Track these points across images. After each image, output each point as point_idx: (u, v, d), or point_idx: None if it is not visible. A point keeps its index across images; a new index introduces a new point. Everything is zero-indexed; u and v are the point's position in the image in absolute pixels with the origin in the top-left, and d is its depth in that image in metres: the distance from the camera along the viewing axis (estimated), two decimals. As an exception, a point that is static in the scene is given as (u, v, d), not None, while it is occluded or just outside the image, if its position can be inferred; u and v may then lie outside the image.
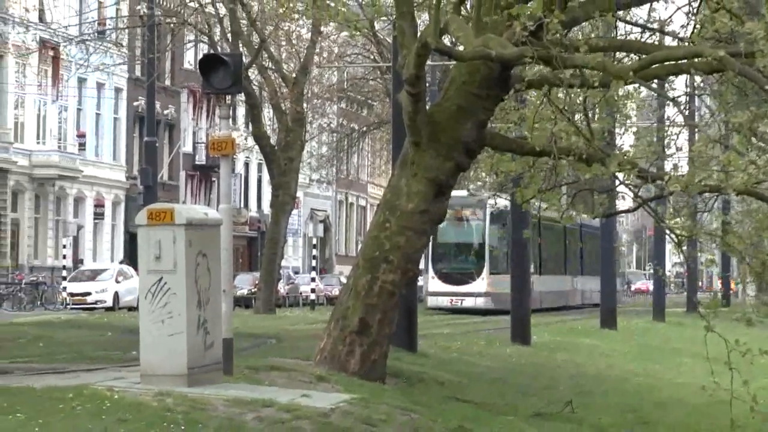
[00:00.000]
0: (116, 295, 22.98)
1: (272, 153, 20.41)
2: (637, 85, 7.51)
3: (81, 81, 28.23)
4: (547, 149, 7.49)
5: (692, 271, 25.89)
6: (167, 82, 32.33)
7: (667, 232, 7.62)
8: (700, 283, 41.74)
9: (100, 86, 29.87)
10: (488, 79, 7.80)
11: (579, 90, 7.16)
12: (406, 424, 6.39)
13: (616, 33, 8.04)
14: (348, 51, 26.66)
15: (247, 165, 36.97)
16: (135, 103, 30.67)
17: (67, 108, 28.76)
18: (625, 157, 7.06)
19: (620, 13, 7.92)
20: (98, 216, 30.04)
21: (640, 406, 9.75)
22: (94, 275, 23.87)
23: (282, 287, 26.33)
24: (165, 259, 6.54)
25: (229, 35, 19.65)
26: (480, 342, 13.37)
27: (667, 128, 8.68)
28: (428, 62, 9.06)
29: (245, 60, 17.11)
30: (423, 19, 9.78)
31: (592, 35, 8.01)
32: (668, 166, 8.49)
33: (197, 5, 20.19)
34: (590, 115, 7.77)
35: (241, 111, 30.71)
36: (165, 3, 23.90)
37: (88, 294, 22.82)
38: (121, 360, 8.14)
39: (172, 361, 6.51)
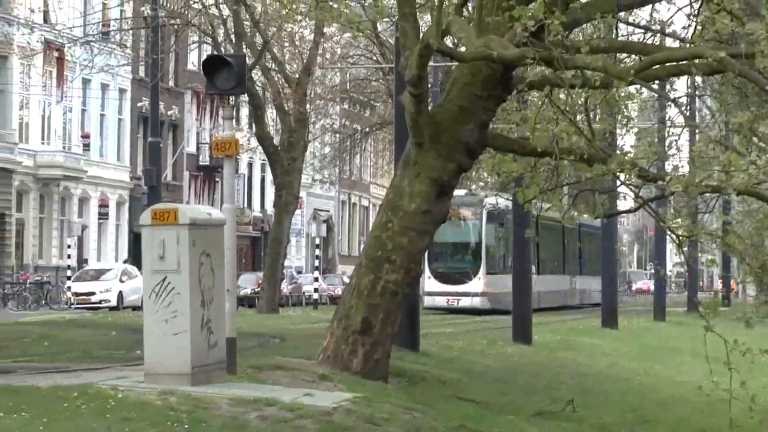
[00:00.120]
0: (120, 295, 23.03)
1: (275, 153, 20.45)
2: (638, 86, 7.53)
3: (85, 82, 28.31)
4: (548, 150, 7.52)
5: (693, 271, 25.85)
6: (171, 83, 32.41)
7: (668, 232, 7.64)
8: (701, 283, 41.72)
9: (104, 87, 29.96)
10: (490, 80, 7.83)
11: (580, 91, 7.18)
12: (409, 423, 6.41)
13: (617, 34, 8.07)
14: (351, 52, 26.70)
15: (250, 165, 37.03)
16: (139, 104, 30.77)
17: (72, 109, 28.85)
18: (626, 158, 7.08)
19: (622, 14, 7.94)
20: (102, 216, 30.14)
21: (641, 405, 9.78)
22: (98, 275, 23.92)
23: (285, 287, 26.36)
24: (169, 259, 6.58)
25: (232, 36, 19.71)
26: (482, 341, 13.38)
27: (668, 129, 8.71)
28: (430, 63, 9.08)
29: (248, 61, 17.20)
30: (425, 20, 9.82)
31: (594, 36, 8.04)
32: (669, 166, 8.50)
33: (201, 7, 20.24)
34: (591, 115, 7.80)
35: (244, 112, 30.77)
36: (169, 4, 23.95)
37: (93, 293, 22.88)
38: (125, 359, 8.19)
39: (175, 360, 6.54)
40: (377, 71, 26.64)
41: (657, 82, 7.59)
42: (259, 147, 22.94)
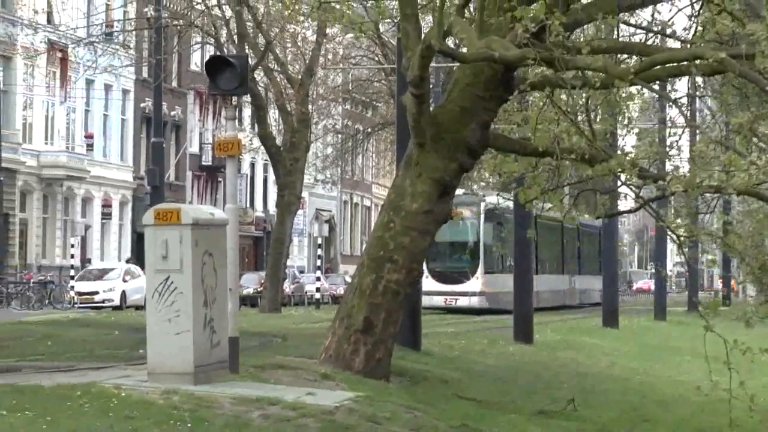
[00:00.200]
0: (123, 294, 23.08)
1: (278, 154, 20.50)
2: (639, 87, 7.55)
3: (89, 82, 28.37)
4: (549, 150, 7.55)
5: (693, 271, 25.82)
6: (174, 84, 32.47)
7: (669, 232, 7.66)
8: (701, 282, 41.68)
9: (107, 88, 30.03)
10: (491, 81, 7.85)
11: (581, 91, 7.20)
12: (410, 422, 6.42)
13: (618, 35, 8.09)
14: (353, 53, 26.74)
15: (252, 165, 37.09)
16: (142, 105, 30.83)
17: (75, 109, 28.92)
18: (627, 158, 7.11)
19: (623, 15, 7.96)
20: (106, 216, 30.20)
21: (641, 405, 9.79)
22: (101, 274, 24.00)
23: (287, 286, 26.41)
24: (172, 259, 6.61)
25: (235, 37, 19.74)
26: (483, 341, 13.40)
27: (668, 129, 8.73)
28: (432, 64, 9.11)
29: (251, 62, 17.25)
30: (427, 21, 9.84)
31: (596, 37, 8.06)
32: (670, 166, 8.52)
33: (204, 8, 20.29)
34: (592, 116, 7.82)
35: (247, 112, 30.80)
36: (172, 5, 24.02)
37: (96, 293, 22.94)
38: (128, 358, 8.20)
39: (178, 360, 6.57)
40: (379, 72, 26.69)
41: (658, 82, 7.61)
42: (262, 147, 22.98)
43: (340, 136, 32.13)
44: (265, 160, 30.30)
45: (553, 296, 25.51)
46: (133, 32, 24.00)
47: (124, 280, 23.54)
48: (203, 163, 34.10)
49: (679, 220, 7.47)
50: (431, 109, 8.15)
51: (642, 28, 8.23)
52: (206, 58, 12.16)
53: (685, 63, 7.02)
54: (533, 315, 14.39)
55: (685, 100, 8.20)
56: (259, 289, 24.24)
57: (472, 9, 8.40)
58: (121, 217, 31.11)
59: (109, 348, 9.76)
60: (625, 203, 13.73)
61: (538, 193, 8.05)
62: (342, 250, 42.33)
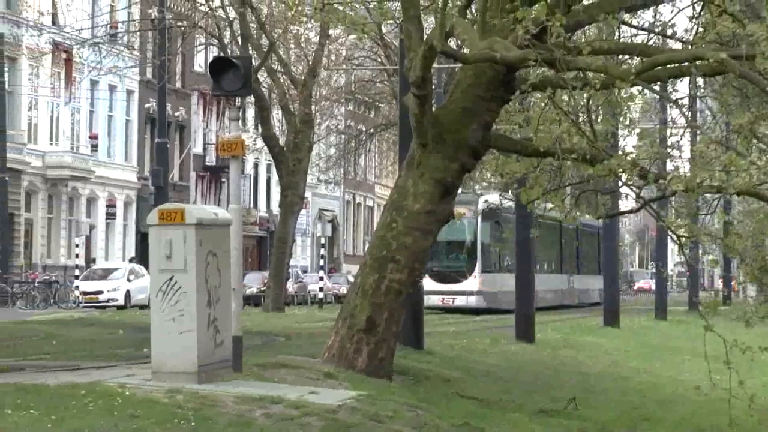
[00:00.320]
0: (128, 294, 23.15)
1: (281, 154, 20.54)
2: (641, 88, 7.58)
3: (93, 83, 28.47)
4: (551, 150, 7.58)
5: (694, 271, 25.76)
6: (178, 85, 32.57)
7: (669, 233, 7.69)
8: (702, 282, 41.66)
9: (112, 88, 30.12)
10: (493, 82, 7.88)
11: (582, 92, 7.24)
12: (413, 421, 6.44)
13: (620, 35, 8.11)
14: (356, 54, 26.78)
15: (256, 166, 37.16)
16: (146, 105, 30.93)
17: (80, 110, 29.02)
18: (627, 158, 7.14)
19: (626, 16, 7.99)
20: (110, 216, 30.30)
21: (642, 404, 9.81)
22: (106, 274, 24.06)
23: (291, 286, 26.46)
24: (176, 259, 6.64)
25: (238, 38, 19.79)
26: (485, 340, 13.43)
27: (669, 130, 8.74)
28: (434, 65, 9.16)
29: (254, 63, 17.24)
30: (429, 22, 9.89)
31: (597, 38, 8.08)
32: (670, 166, 8.54)
33: (207, 9, 20.35)
34: (593, 116, 7.85)
35: (250, 113, 30.91)
36: (176, 7, 24.11)
37: (100, 292, 23.01)
38: (132, 357, 8.26)
39: (182, 359, 6.60)
40: (382, 73, 26.72)
41: (659, 83, 7.63)
42: (265, 148, 23.03)
43: (342, 136, 32.18)
44: (269, 160, 30.35)
45: (551, 296, 25.34)
46: (138, 33, 24.07)
47: (129, 280, 23.62)
48: (207, 164, 34.18)
49: (680, 220, 7.48)
50: (433, 109, 8.18)
51: (643, 29, 8.25)
52: (210, 59, 12.24)
53: (686, 64, 7.04)
54: (535, 314, 14.44)
55: (686, 101, 8.22)
56: (262, 289, 24.28)
57: (474, 10, 8.43)
58: (125, 217, 31.21)
59: (113, 347, 9.81)
60: (626, 203, 13.76)
61: (539, 193, 8.09)
62: (345, 249, 42.38)
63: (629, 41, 8.39)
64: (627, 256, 59.27)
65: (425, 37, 7.61)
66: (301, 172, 20.66)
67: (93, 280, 23.69)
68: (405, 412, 6.58)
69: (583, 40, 8.17)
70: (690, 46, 7.31)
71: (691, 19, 7.64)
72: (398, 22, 10.30)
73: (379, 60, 25.80)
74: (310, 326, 14.49)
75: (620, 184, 8.15)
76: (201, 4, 20.71)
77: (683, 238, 7.34)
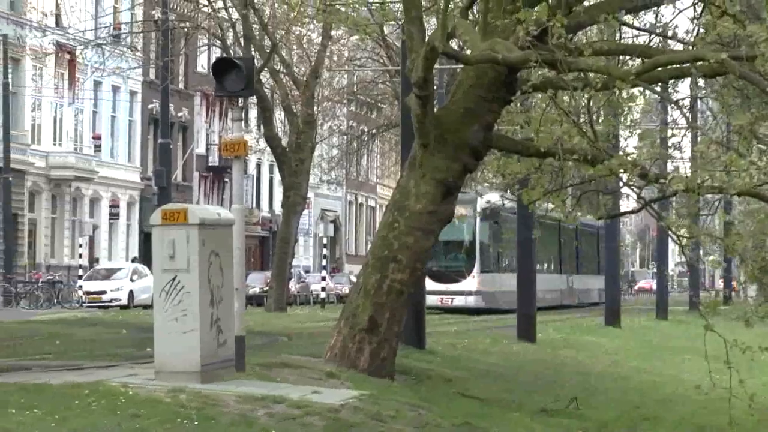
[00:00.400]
0: (131, 294, 23.20)
1: (283, 154, 20.58)
2: (642, 88, 7.60)
3: (97, 84, 28.54)
4: (552, 150, 7.61)
5: (694, 271, 25.72)
6: (181, 86, 32.62)
7: (670, 233, 7.70)
8: (703, 281, 41.62)
9: (115, 89, 30.20)
10: (495, 83, 7.91)
11: (583, 92, 7.26)
12: (415, 420, 6.47)
13: (621, 36, 8.13)
14: (358, 55, 26.81)
15: (259, 166, 37.21)
16: (149, 106, 31.00)
17: (83, 110, 29.08)
18: (628, 158, 7.15)
19: (627, 17, 8.01)
20: (113, 216, 30.37)
21: (642, 403, 9.83)
22: (109, 274, 24.12)
23: (293, 286, 26.46)
24: (179, 259, 6.68)
25: (241, 39, 19.83)
26: (486, 340, 13.46)
27: (671, 130, 8.75)
28: (436, 66, 9.18)
29: (257, 63, 17.32)
30: (431, 23, 9.93)
31: (599, 38, 8.10)
32: (671, 167, 8.55)
33: (210, 10, 20.41)
34: (594, 117, 7.87)
35: (253, 113, 30.92)
36: (179, 8, 24.15)
37: (104, 292, 23.07)
38: (135, 357, 8.30)
39: (185, 358, 6.63)
40: (384, 74, 26.74)
41: (660, 84, 7.65)
42: (268, 148, 23.08)
43: (345, 137, 32.22)
44: (271, 160, 30.40)
45: (550, 296, 25.22)
46: (141, 34, 24.14)
47: (132, 280, 23.67)
48: (210, 164, 34.23)
49: (681, 220, 7.49)
50: (435, 110, 8.20)
51: (644, 30, 8.27)
52: (213, 60, 12.27)
53: (687, 65, 7.06)
54: (536, 314, 14.44)
55: (687, 102, 8.23)
56: (265, 289, 24.32)
57: (475, 11, 8.46)
58: (128, 218, 31.28)
59: (117, 347, 9.85)
60: (628, 204, 13.77)
61: (540, 194, 8.11)
62: (347, 249, 42.42)
63: (630, 42, 8.40)
64: (628, 256, 59.27)
65: (427, 38, 7.64)
66: (303, 173, 20.70)
67: (96, 280, 23.75)
68: (407, 412, 6.61)
69: (584, 41, 8.18)
70: (691, 47, 7.33)
71: (692, 20, 7.65)
72: (400, 23, 10.35)
73: (381, 61, 25.82)
74: (313, 326, 14.52)
75: (621, 184, 8.17)
76: (204, 6, 20.77)
77: (684, 239, 7.35)
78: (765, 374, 10.70)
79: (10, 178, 24.66)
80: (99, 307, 22.00)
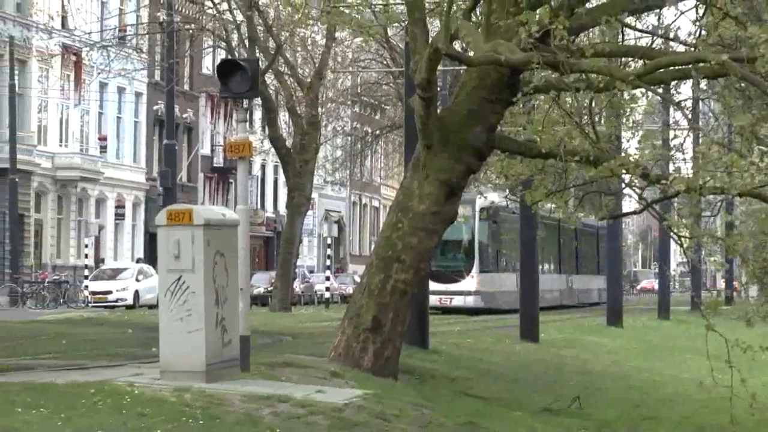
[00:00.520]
0: (136, 294, 23.29)
1: (288, 155, 20.64)
2: (644, 90, 7.63)
3: (102, 85, 28.67)
4: (554, 151, 7.64)
5: (696, 271, 25.63)
6: (186, 87, 32.75)
7: (672, 234, 7.73)
8: (704, 281, 41.50)
9: (121, 90, 30.31)
10: (498, 84, 7.94)
11: (585, 93, 7.29)
12: (418, 419, 6.49)
13: (623, 38, 8.16)
14: (362, 56, 26.87)
15: (263, 167, 37.30)
16: (155, 107, 31.12)
17: (89, 112, 29.23)
18: (630, 159, 7.18)
19: (629, 19, 8.03)
20: (119, 216, 30.50)
21: (644, 402, 9.84)
22: (115, 274, 24.23)
23: (297, 286, 26.50)
24: (184, 259, 6.71)
25: (246, 41, 19.90)
26: (489, 339, 13.49)
27: (673, 131, 8.77)
28: (439, 67, 9.22)
29: (262, 65, 17.40)
30: (434, 25, 9.97)
31: (601, 40, 8.13)
32: (673, 168, 8.57)
33: (215, 12, 20.49)
34: (597, 118, 7.90)
35: (257, 115, 30.99)
36: (184, 10, 24.26)
37: (110, 292, 23.18)
38: (141, 356, 8.33)
39: (190, 358, 6.67)
40: (387, 75, 26.79)
41: (662, 85, 7.67)
42: (272, 149, 23.15)
43: (349, 138, 32.27)
44: (276, 161, 30.47)
45: (550, 296, 24.96)
46: (146, 36, 24.24)
47: (137, 280, 23.76)
48: (215, 165, 34.33)
49: (683, 221, 7.52)
50: (439, 111, 8.24)
51: (646, 32, 8.30)
52: (218, 61, 12.32)
53: (688, 66, 7.08)
54: (539, 314, 14.44)
55: (689, 103, 8.25)
56: (269, 289, 24.38)
57: (478, 13, 8.50)
58: (134, 218, 31.40)
59: (122, 346, 9.89)
60: (630, 205, 13.78)
61: (543, 195, 8.14)
62: (351, 250, 42.48)
63: (632, 44, 8.43)
64: (630, 256, 59.18)
65: (430, 39, 7.68)
66: (307, 174, 20.76)
67: (102, 280, 23.85)
68: (410, 411, 6.63)
69: (586, 42, 8.20)
70: (692, 49, 7.35)
71: (693, 22, 7.67)
72: (404, 25, 10.39)
73: (385, 62, 25.89)
74: (317, 326, 14.55)
75: (623, 185, 8.20)
76: (209, 8, 20.83)
77: (685, 240, 7.37)
78: (766, 374, 10.72)
79: (17, 179, 24.79)
80: (105, 307, 22.09)
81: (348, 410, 6.31)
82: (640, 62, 7.55)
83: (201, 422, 5.71)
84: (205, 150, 34.31)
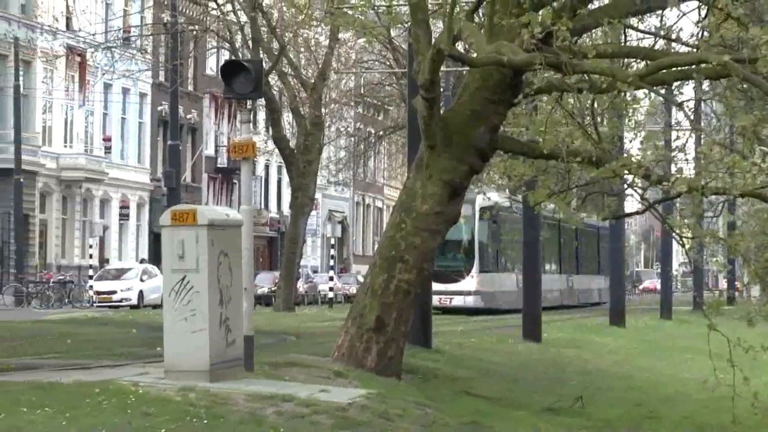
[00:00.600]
0: (141, 294, 23.34)
1: (291, 156, 20.68)
2: (646, 91, 7.64)
3: (107, 86, 28.75)
4: (556, 152, 7.66)
5: (698, 271, 25.58)
6: (190, 88, 32.82)
7: (674, 235, 7.75)
8: (706, 282, 41.37)
9: (125, 91, 30.39)
10: (500, 85, 7.97)
11: (587, 94, 7.30)
12: (422, 419, 6.51)
13: (625, 39, 8.18)
14: (365, 57, 26.91)
15: (267, 168, 37.36)
16: (159, 108, 31.20)
17: (94, 112, 29.31)
18: (632, 160, 7.19)
19: (632, 20, 8.04)
20: (123, 217, 30.58)
21: (646, 402, 9.85)
22: (119, 274, 24.28)
23: (301, 286, 26.52)
24: (188, 259, 6.74)
25: (249, 42, 19.95)
26: (492, 339, 13.50)
27: (675, 132, 8.79)
28: (442, 68, 9.24)
29: (265, 66, 17.42)
30: (437, 26, 10.00)
31: (603, 41, 8.14)
32: (675, 169, 8.59)
33: (219, 13, 20.53)
34: (599, 119, 7.92)
35: (261, 115, 31.07)
36: (188, 11, 24.33)
37: (114, 292, 23.21)
38: (145, 356, 8.38)
39: (195, 357, 6.70)
40: (391, 76, 26.84)
41: (664, 86, 7.68)
42: (276, 150, 23.18)
43: (352, 138, 32.32)
44: (280, 162, 30.49)
45: (551, 296, 24.68)
46: (150, 37, 24.33)
47: (142, 280, 23.82)
48: (219, 165, 34.41)
49: (685, 220, 7.54)
50: (442, 112, 8.26)
51: (648, 33, 8.31)
52: (221, 62, 12.37)
53: (690, 67, 7.09)
54: (541, 314, 14.46)
55: (691, 104, 8.26)
56: (273, 289, 24.40)
57: (481, 14, 8.52)
58: (138, 218, 31.47)
59: (127, 346, 9.93)
60: (632, 205, 13.78)
61: (546, 196, 8.16)
62: (354, 250, 42.53)
63: (635, 45, 8.45)
64: (632, 256, 59.18)
65: (433, 40, 7.70)
66: (311, 174, 20.79)
67: (107, 280, 23.90)
68: (414, 410, 6.65)
69: (588, 43, 8.22)
70: (695, 50, 7.37)
71: (696, 23, 7.69)
72: (407, 26, 10.41)
73: (388, 63, 25.92)
74: (320, 326, 14.57)
75: (625, 186, 8.22)
76: (213, 9, 20.89)
77: (687, 240, 7.39)
78: (767, 374, 10.71)
79: (22, 180, 24.86)
80: (109, 306, 22.14)
81: (352, 410, 6.33)
82: (643, 63, 7.57)
83: (205, 421, 5.73)
84: (209, 150, 34.38)
